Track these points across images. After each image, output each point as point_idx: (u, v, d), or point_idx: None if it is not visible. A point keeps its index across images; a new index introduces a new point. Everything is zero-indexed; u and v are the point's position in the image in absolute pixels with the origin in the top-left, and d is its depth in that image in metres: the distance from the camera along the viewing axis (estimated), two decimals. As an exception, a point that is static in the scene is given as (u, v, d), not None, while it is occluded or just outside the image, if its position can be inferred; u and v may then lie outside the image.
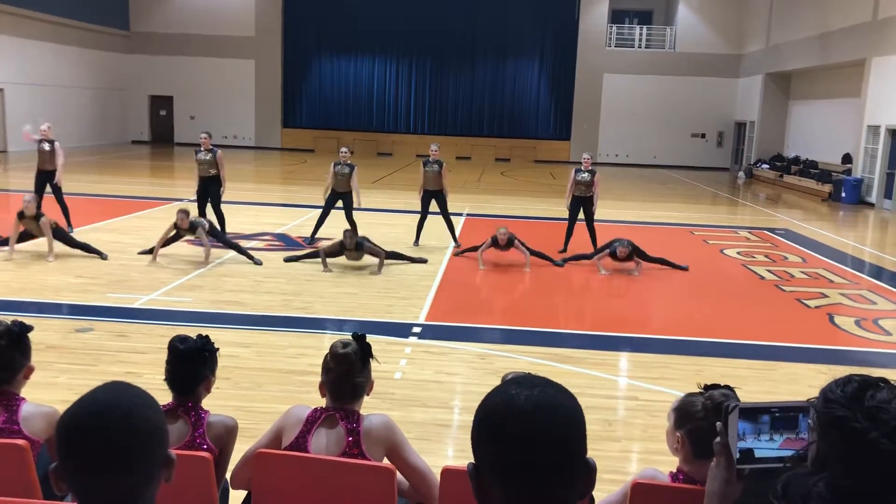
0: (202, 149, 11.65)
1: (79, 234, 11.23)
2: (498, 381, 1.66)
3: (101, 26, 30.36)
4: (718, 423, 1.42)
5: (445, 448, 5.03)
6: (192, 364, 2.88)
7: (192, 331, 3.12)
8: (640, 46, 32.10)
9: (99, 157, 24.33)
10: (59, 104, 27.45)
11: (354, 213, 11.62)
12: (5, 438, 2.71)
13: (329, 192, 11.69)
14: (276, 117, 33.03)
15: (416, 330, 7.51)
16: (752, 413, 1.41)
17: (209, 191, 11.63)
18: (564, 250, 11.61)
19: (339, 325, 7.67)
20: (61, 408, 2.46)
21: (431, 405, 5.61)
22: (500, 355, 6.82)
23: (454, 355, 6.85)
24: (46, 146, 11.69)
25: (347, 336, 2.93)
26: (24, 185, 12.35)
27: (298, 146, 32.38)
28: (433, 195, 11.75)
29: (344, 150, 11.81)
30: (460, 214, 15.13)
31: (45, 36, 26.96)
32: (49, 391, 5.11)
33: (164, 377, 2.92)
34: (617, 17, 32.49)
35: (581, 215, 11.82)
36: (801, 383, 6.39)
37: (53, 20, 27.08)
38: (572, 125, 32.49)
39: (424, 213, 11.85)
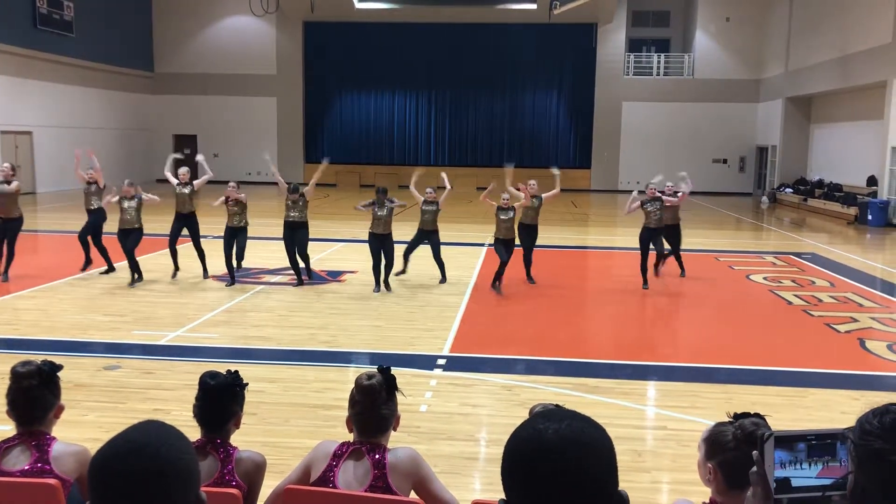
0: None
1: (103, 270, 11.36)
2: (525, 413, 1.65)
3: (126, 69, 31.01)
4: (754, 452, 1.40)
5: (473, 482, 4.98)
6: (222, 400, 2.89)
7: (218, 367, 3.13)
8: (658, 74, 32.19)
9: (125, 197, 24.74)
10: (85, 145, 27.62)
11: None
12: (37, 478, 2.73)
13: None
14: (298, 153, 33.38)
15: (441, 362, 7.48)
16: (788, 441, 1.39)
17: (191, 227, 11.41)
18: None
19: (364, 358, 7.67)
20: (90, 446, 2.49)
21: (458, 438, 5.58)
22: (526, 386, 6.78)
23: (480, 387, 6.81)
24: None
25: (373, 369, 2.94)
26: (58, 226, 12.57)
27: (321, 181, 32.61)
28: (528, 229, 11.51)
29: (429, 190, 11.36)
30: (482, 245, 15.14)
31: (72, 79, 27.57)
32: (78, 429, 5.15)
33: (192, 413, 2.93)
34: (634, 45, 32.65)
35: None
36: (834, 410, 6.28)
37: (80, 64, 27.70)
38: (592, 154, 32.53)
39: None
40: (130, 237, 10.92)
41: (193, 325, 8.73)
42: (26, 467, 2.79)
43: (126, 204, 10.96)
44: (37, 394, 2.87)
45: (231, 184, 11.08)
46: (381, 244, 10.75)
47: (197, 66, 33.01)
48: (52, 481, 2.70)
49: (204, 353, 7.65)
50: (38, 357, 3.06)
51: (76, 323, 8.78)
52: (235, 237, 11.08)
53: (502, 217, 10.98)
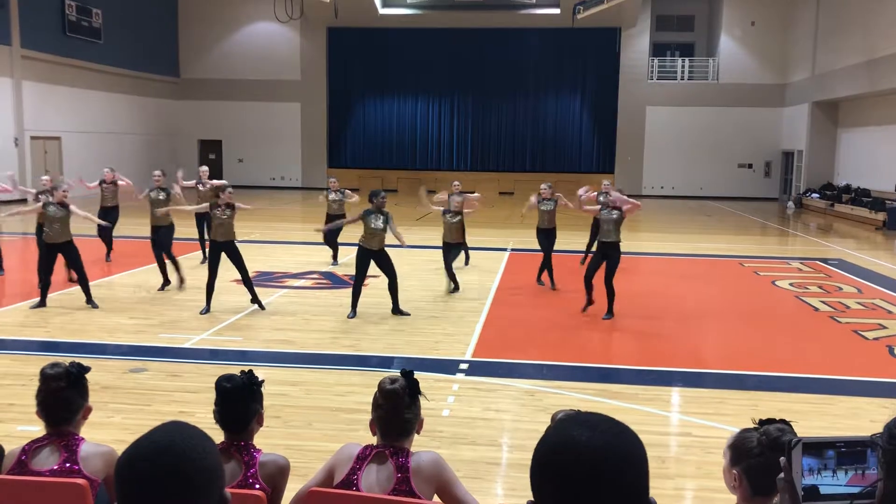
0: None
1: (130, 276, 11.50)
2: (547, 418, 1.65)
3: (152, 74, 31.40)
4: (782, 459, 1.38)
5: (495, 486, 4.97)
6: (241, 401, 2.91)
7: (243, 369, 3.15)
8: (682, 78, 31.99)
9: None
10: (112, 150, 28.34)
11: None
12: (66, 478, 2.77)
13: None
14: (321, 158, 33.58)
15: (464, 366, 7.48)
16: (817, 448, 1.37)
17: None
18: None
19: (386, 362, 7.68)
20: (116, 447, 2.51)
21: (480, 443, 5.57)
22: (548, 391, 6.75)
23: (502, 392, 6.80)
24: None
25: (396, 373, 2.95)
26: (86, 230, 12.71)
27: (344, 186, 32.77)
28: (547, 233, 11.72)
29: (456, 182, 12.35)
30: (504, 249, 15.12)
31: (100, 85, 27.97)
32: (104, 431, 5.21)
33: (213, 419, 2.94)
34: (658, 50, 32.47)
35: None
36: (863, 418, 6.19)
37: (108, 70, 28.10)
38: (616, 158, 32.39)
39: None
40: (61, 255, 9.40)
41: (218, 329, 8.80)
42: (55, 467, 2.83)
43: (51, 209, 9.29)
44: (65, 395, 2.92)
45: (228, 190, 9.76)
46: (367, 262, 9.48)
47: (222, 71, 33.33)
48: (80, 481, 2.74)
49: (228, 357, 7.72)
50: (66, 359, 3.10)
51: (103, 326, 8.89)
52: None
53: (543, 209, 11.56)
